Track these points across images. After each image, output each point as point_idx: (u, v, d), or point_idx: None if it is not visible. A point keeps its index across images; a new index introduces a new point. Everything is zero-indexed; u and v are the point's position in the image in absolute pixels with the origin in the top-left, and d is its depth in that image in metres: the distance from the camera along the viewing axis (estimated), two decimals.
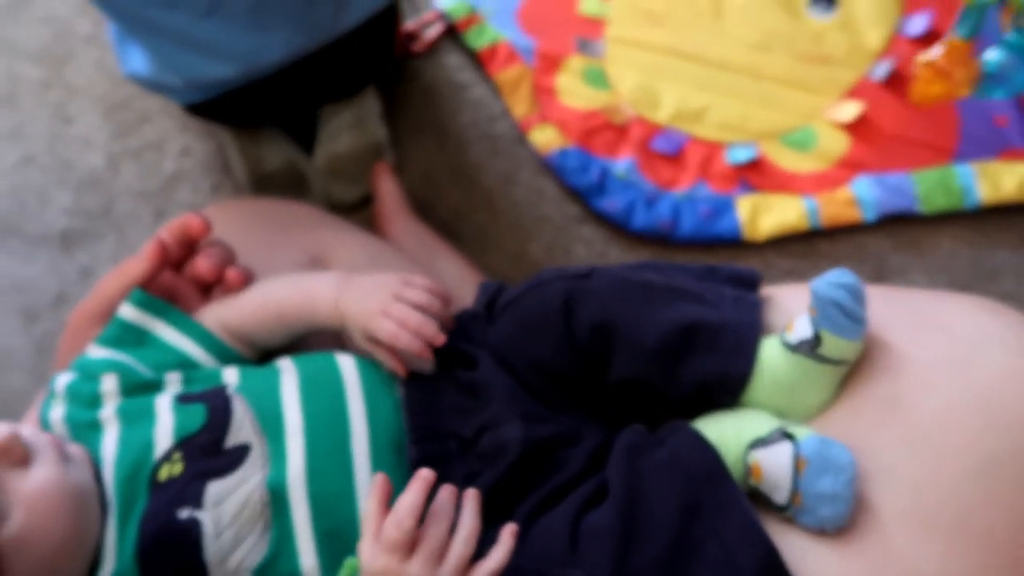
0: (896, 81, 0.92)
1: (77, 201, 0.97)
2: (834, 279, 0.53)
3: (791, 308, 0.59)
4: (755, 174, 0.90)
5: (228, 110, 0.88)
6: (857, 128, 0.91)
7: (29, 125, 1.02)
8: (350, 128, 0.93)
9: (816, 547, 0.51)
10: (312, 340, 0.65)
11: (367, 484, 0.53)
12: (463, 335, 0.60)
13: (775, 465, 0.51)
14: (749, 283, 0.61)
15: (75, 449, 0.53)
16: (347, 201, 0.93)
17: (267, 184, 0.93)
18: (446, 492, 0.48)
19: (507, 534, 0.48)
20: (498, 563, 0.47)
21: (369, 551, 0.46)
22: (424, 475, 0.48)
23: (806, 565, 0.51)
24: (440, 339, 0.56)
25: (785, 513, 0.52)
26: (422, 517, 0.47)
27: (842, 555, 0.51)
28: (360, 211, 0.92)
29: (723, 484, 0.51)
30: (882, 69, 0.93)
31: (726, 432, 0.54)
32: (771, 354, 0.56)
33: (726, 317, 0.56)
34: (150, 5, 0.74)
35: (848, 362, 0.55)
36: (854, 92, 0.93)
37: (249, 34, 0.78)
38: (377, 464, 0.53)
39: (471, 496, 0.49)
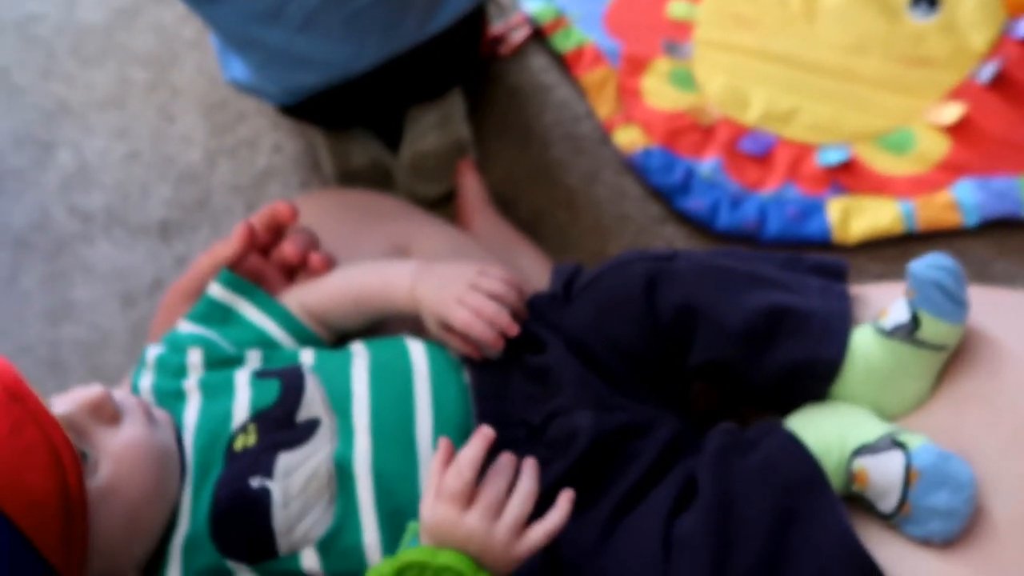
0: (1002, 83, 0.88)
1: (176, 194, 1.02)
2: (933, 261, 0.51)
3: (882, 304, 0.56)
4: (847, 176, 0.87)
5: (319, 112, 0.92)
6: (959, 131, 0.87)
7: (135, 124, 1.08)
8: (435, 127, 0.94)
9: (916, 554, 0.48)
10: (390, 326, 0.66)
11: (429, 466, 0.52)
12: (535, 317, 0.59)
13: (884, 475, 0.48)
14: (835, 273, 0.58)
15: (160, 414, 0.55)
16: (430, 197, 0.94)
17: (354, 180, 0.96)
18: (506, 456, 0.48)
19: (564, 499, 0.47)
20: (555, 524, 0.46)
21: (430, 505, 0.46)
22: (485, 432, 0.48)
23: (904, 572, 0.48)
24: (514, 329, 0.56)
25: (889, 520, 0.49)
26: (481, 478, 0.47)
27: (945, 563, 0.47)
28: (443, 207, 0.93)
29: (820, 492, 0.49)
30: (988, 71, 0.89)
31: (827, 435, 0.51)
32: (864, 341, 0.53)
33: (813, 305, 0.54)
34: (250, 22, 0.78)
35: (947, 348, 0.51)
36: (956, 94, 0.89)
37: (342, 45, 0.80)
38: None
39: (530, 463, 0.49)
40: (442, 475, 0.47)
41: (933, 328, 0.51)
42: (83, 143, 1.07)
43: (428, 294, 0.58)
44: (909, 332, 0.51)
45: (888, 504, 0.48)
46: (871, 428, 0.50)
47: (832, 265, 0.58)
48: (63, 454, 0.46)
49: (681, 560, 0.48)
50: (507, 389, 0.56)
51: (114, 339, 0.95)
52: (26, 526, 0.43)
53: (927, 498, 0.47)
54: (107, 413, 0.50)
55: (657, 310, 0.55)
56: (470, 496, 0.46)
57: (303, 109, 0.91)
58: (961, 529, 0.47)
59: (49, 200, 1.04)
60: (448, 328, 0.58)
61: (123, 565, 0.50)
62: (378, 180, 0.96)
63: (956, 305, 0.50)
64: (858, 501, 0.51)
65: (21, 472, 0.44)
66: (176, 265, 0.97)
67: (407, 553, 0.45)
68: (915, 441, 0.49)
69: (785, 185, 0.88)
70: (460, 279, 0.58)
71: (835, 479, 0.50)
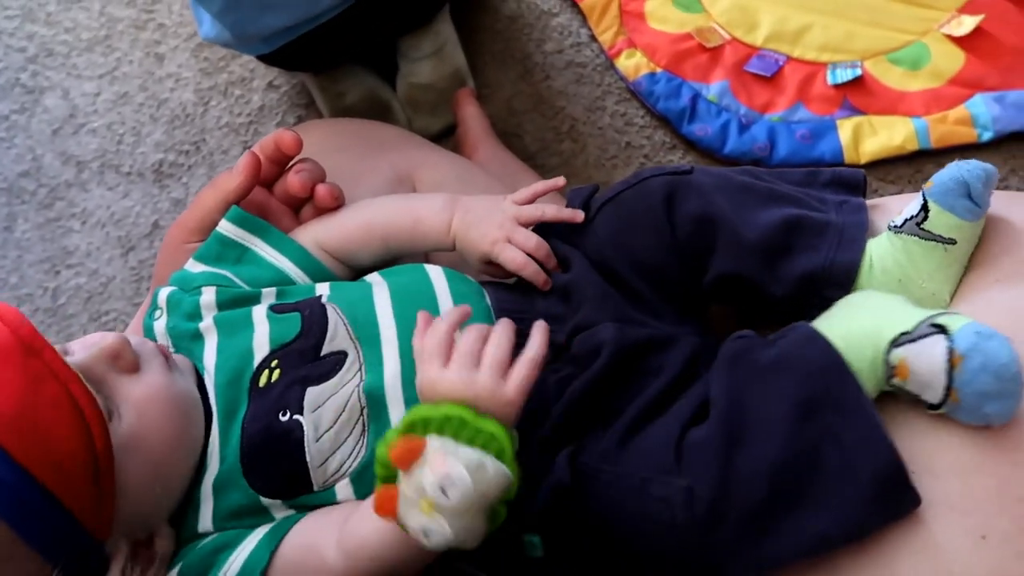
0: None
1: (169, 136, 0.99)
2: (970, 162, 0.49)
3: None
4: (859, 95, 0.85)
5: (302, 57, 0.87)
6: (974, 43, 0.84)
7: (124, 65, 1.05)
8: (429, 58, 0.91)
9: (952, 442, 0.46)
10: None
11: None
12: (556, 236, 0.58)
13: (926, 362, 0.44)
14: (852, 186, 0.57)
15: (180, 359, 0.53)
16: (431, 131, 0.92)
17: (351, 117, 0.93)
18: (479, 325, 0.48)
19: (537, 329, 0.46)
20: (535, 352, 0.45)
21: (417, 376, 0.46)
22: (463, 309, 0.48)
23: (928, 456, 0.45)
24: (557, 267, 0.57)
25: (938, 411, 0.46)
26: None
27: (981, 451, 0.45)
28: (444, 142, 0.91)
29: (843, 380, 0.46)
30: None
31: (859, 327, 0.48)
32: (878, 244, 0.52)
33: (830, 218, 0.53)
34: None
35: (958, 243, 0.50)
36: (971, 5, 0.86)
37: None
38: None
39: (505, 321, 0.48)
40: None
41: (941, 219, 0.49)
42: (71, 87, 1.04)
43: (469, 232, 0.57)
44: (918, 223, 0.50)
45: (934, 395, 0.45)
46: (909, 315, 0.47)
47: (849, 177, 0.57)
48: (85, 407, 0.44)
49: (691, 458, 0.46)
50: (530, 309, 0.55)
51: (115, 285, 0.93)
52: (53, 483, 0.42)
53: (975, 383, 0.43)
54: (126, 361, 0.48)
55: (676, 222, 0.54)
56: (448, 353, 0.45)
57: (284, 57, 0.86)
58: (1017, 407, 0.44)
59: (40, 146, 1.02)
60: (494, 264, 0.58)
61: (151, 515, 0.49)
62: (376, 116, 0.93)
63: (969, 202, 0.49)
64: (902, 395, 0.48)
65: (44, 429, 0.43)
66: (174, 208, 0.95)
67: (411, 412, 0.43)
68: (956, 322, 0.44)
69: (795, 106, 0.86)
70: (497, 214, 0.57)
71: (872, 374, 0.47)
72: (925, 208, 0.50)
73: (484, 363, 0.44)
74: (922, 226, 0.50)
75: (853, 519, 0.44)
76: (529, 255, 0.56)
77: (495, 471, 0.40)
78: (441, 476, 0.39)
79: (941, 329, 0.45)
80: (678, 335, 0.54)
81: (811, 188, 0.58)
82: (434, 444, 0.40)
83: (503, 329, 0.46)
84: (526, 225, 0.57)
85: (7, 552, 0.42)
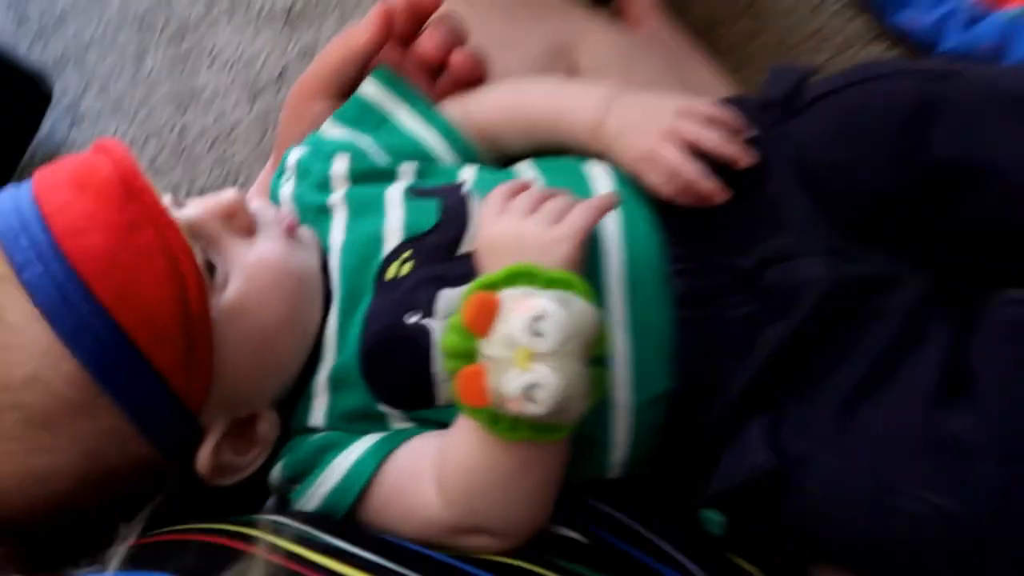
0: None
1: None
2: None
3: None
4: None
5: None
6: None
7: None
8: None
9: None
10: None
11: (620, 317, 0.43)
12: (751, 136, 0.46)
13: None
14: None
15: (305, 232, 0.48)
16: None
17: None
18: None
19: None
20: (601, 200, 0.42)
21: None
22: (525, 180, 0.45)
23: None
24: (719, 197, 0.44)
25: None
26: None
27: None
28: (604, 7, 0.81)
29: None
30: None
31: None
32: None
33: None
34: None
35: None
36: None
37: None
38: (634, 297, 0.44)
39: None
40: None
41: None
42: None
43: (617, 140, 0.47)
44: None
45: None
46: None
47: None
48: (182, 262, 0.40)
49: (953, 471, 0.37)
50: (711, 225, 0.45)
51: (240, 130, 0.92)
52: (142, 340, 0.39)
53: None
54: (241, 223, 0.44)
55: (926, 150, 0.42)
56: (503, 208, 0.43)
57: None
58: None
59: None
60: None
61: (253, 397, 0.44)
62: None
63: None
64: None
65: (135, 277, 0.39)
66: (302, 56, 0.92)
67: (469, 287, 0.40)
68: None
69: None
70: (655, 121, 0.46)
71: None
72: None
73: (537, 212, 0.42)
74: None
75: None
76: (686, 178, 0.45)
77: (582, 305, 0.37)
78: (529, 315, 0.36)
79: None
80: (899, 274, 0.43)
81: None
82: (509, 293, 0.37)
83: (566, 191, 0.43)
84: (681, 144, 0.45)
85: (89, 405, 0.39)
